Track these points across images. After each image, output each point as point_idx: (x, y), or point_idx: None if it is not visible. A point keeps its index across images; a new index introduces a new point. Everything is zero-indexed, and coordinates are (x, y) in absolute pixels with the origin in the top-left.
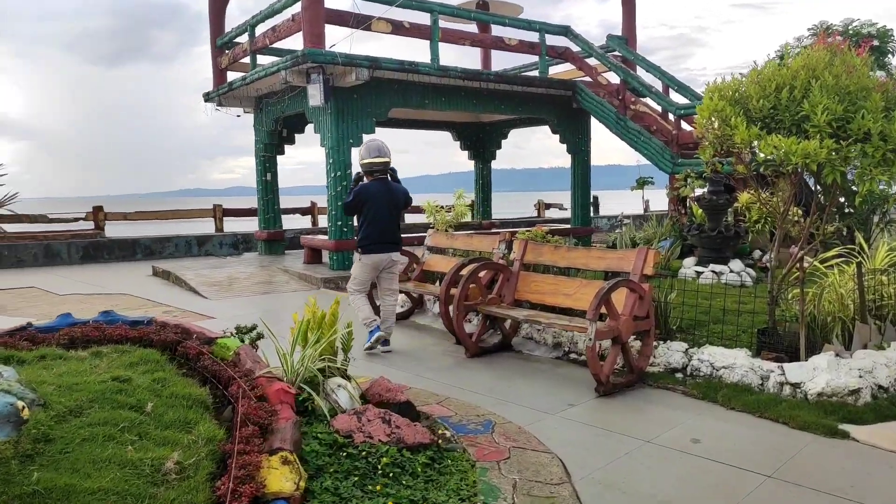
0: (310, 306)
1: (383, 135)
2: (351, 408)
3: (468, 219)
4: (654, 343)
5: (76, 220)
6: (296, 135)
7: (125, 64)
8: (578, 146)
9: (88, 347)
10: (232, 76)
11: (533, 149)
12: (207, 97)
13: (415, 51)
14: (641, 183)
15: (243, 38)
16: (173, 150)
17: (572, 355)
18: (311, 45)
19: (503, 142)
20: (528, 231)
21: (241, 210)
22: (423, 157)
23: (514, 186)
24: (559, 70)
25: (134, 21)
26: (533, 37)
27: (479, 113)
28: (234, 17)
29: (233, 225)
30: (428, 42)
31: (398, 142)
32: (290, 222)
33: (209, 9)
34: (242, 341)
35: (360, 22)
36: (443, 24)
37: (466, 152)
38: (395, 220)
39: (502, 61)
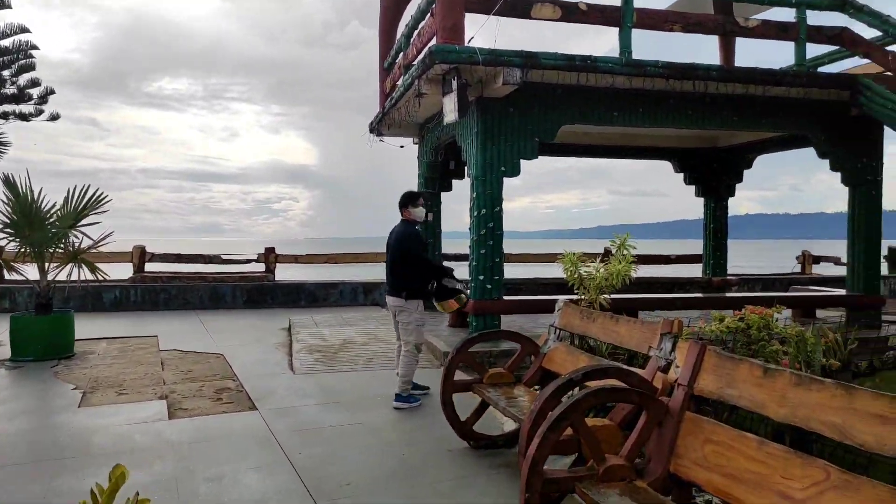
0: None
1: (562, 163)
2: None
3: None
4: None
5: (248, 261)
6: (466, 168)
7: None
8: (860, 174)
9: None
10: None
11: (814, 190)
12: (371, 127)
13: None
14: None
15: (401, 57)
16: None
17: None
18: (445, 40)
19: (748, 172)
20: (726, 316)
21: None
22: (685, 199)
23: (787, 233)
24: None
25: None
26: (789, 15)
27: (697, 128)
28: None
29: None
30: (616, 31)
31: (653, 183)
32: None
33: (379, 28)
34: None
35: (512, 8)
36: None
37: (693, 187)
38: (394, 265)
39: (759, 59)
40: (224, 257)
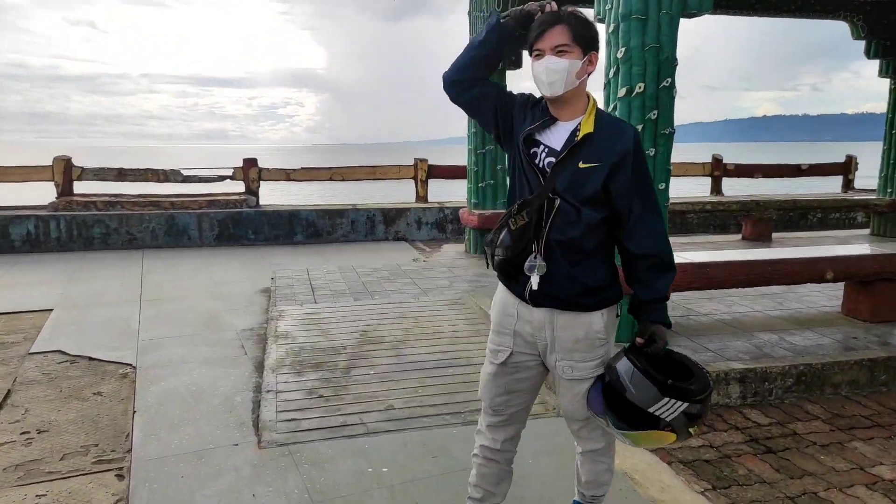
0: None
1: (730, 22)
2: None
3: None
4: None
5: (221, 178)
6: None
7: (407, 18)
8: None
9: None
10: None
11: (836, 90)
12: None
13: None
14: None
15: None
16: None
17: None
18: None
19: None
20: None
21: (457, 169)
22: (697, 101)
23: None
24: None
25: None
26: None
27: None
28: None
29: (443, 189)
30: None
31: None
32: None
33: None
34: None
35: None
36: None
37: (877, 63)
38: None
39: None
40: (185, 173)
